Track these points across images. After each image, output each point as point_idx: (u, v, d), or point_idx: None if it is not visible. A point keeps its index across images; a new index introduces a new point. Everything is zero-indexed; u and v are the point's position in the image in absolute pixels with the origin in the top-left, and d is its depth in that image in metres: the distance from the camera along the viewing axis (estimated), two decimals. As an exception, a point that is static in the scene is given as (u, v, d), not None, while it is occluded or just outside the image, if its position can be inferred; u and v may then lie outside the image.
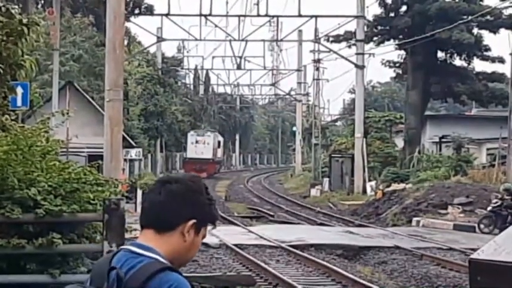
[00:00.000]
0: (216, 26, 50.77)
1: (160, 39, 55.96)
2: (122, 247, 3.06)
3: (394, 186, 38.68)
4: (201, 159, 75.75)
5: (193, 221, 3.00)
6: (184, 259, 3.05)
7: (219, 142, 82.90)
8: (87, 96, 39.47)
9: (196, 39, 53.37)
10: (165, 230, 3.00)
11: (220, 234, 23.16)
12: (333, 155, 53.25)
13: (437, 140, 50.08)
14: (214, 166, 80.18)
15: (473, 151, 45.59)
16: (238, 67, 69.58)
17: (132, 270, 2.92)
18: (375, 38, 50.93)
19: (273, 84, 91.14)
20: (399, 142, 52.73)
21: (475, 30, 48.90)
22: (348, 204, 40.47)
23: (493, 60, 49.63)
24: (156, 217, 3.01)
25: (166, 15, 47.75)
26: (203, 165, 74.52)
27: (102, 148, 18.71)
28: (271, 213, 36.55)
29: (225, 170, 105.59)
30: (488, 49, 49.50)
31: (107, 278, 2.93)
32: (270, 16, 49.07)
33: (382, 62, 53.87)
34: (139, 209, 4.45)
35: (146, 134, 62.77)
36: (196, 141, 77.44)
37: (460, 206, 30.50)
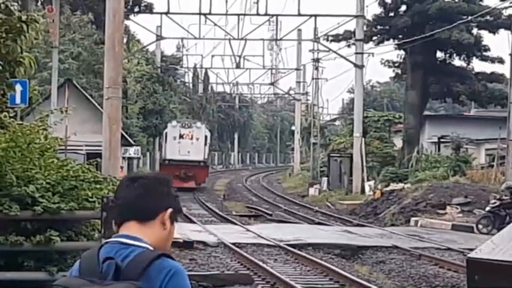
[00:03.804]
0: (215, 24, 50.74)
1: (159, 37, 55.93)
2: (107, 240, 3.11)
3: (393, 186, 38.67)
4: (187, 161, 53.16)
5: (171, 209, 3.12)
6: (165, 248, 3.13)
7: (206, 137, 56.88)
8: (86, 94, 39.50)
9: (195, 38, 53.30)
10: (148, 219, 3.09)
11: (218, 232, 23.18)
12: (331, 155, 53.22)
13: (436, 140, 50.07)
14: (205, 171, 56.38)
15: (472, 151, 45.59)
16: (238, 66, 69.50)
17: (127, 259, 2.98)
18: (374, 38, 50.89)
19: (272, 83, 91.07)
20: (398, 142, 52.71)
21: (475, 31, 48.86)
22: (346, 204, 40.43)
23: (492, 60, 49.58)
24: (137, 209, 3.09)
25: (166, 13, 47.69)
26: (190, 170, 52.63)
27: (100, 146, 18.67)
28: (270, 212, 36.51)
29: (223, 168, 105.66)
30: (487, 49, 49.45)
31: (100, 269, 2.96)
32: (269, 15, 49.00)
33: (382, 61, 53.94)
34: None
35: (145, 132, 62.83)
36: (181, 136, 54.67)
37: (458, 206, 30.50)
